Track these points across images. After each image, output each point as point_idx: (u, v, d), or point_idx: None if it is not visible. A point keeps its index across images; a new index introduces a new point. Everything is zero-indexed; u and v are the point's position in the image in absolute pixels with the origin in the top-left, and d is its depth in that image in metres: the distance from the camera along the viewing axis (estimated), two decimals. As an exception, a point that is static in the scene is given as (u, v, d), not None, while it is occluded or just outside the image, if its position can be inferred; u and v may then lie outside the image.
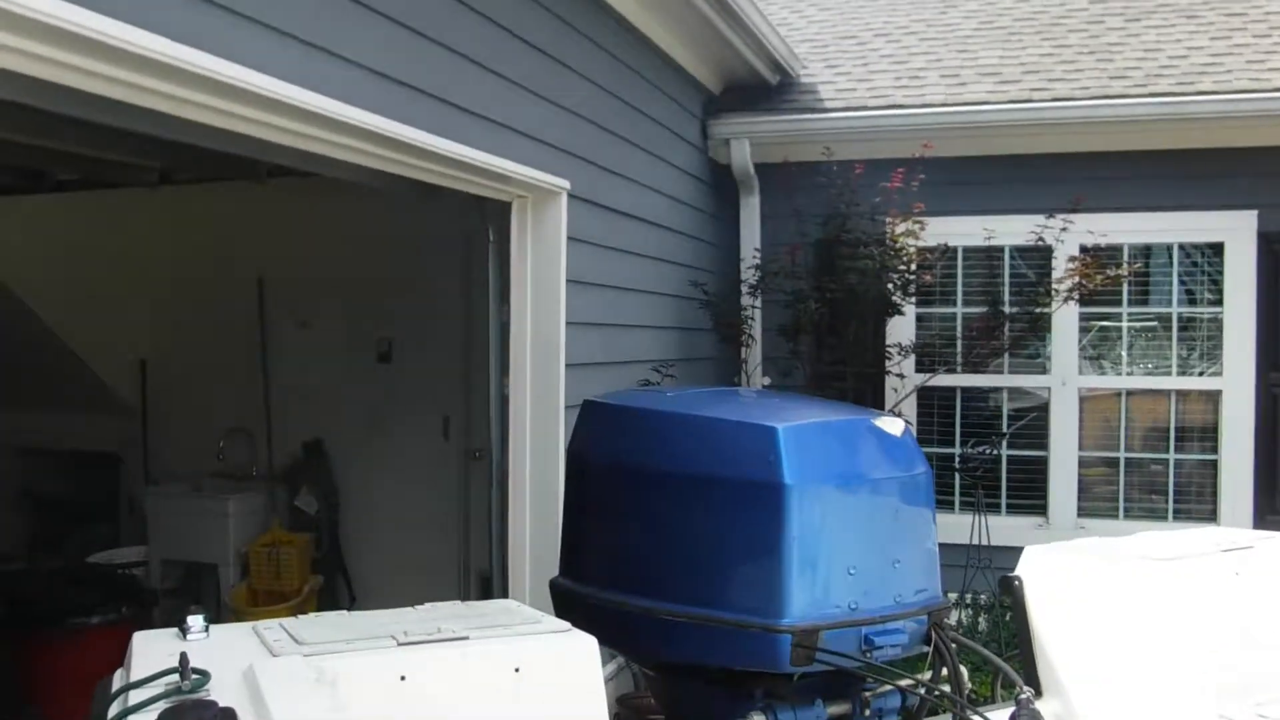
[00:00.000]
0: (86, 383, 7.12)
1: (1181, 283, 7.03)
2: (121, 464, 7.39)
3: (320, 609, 6.53)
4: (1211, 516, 6.72)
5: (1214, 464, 6.83)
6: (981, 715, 2.20)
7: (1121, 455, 7.05)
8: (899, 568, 2.36)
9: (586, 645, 1.82)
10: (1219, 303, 6.80)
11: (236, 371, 6.85)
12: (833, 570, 2.28)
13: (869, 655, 2.25)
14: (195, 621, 1.87)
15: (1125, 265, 6.74)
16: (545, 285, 4.93)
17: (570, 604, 2.60)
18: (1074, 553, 2.65)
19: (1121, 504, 7.05)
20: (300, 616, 1.96)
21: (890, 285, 6.55)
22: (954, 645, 2.34)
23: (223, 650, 1.74)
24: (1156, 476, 7.03)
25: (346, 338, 6.70)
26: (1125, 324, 7.09)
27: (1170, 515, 6.88)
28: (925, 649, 2.35)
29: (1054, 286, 6.58)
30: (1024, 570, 2.70)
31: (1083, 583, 2.58)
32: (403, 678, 1.67)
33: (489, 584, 5.53)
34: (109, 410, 7.19)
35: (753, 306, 7.15)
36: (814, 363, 7.06)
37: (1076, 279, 6.43)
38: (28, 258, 6.97)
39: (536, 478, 4.94)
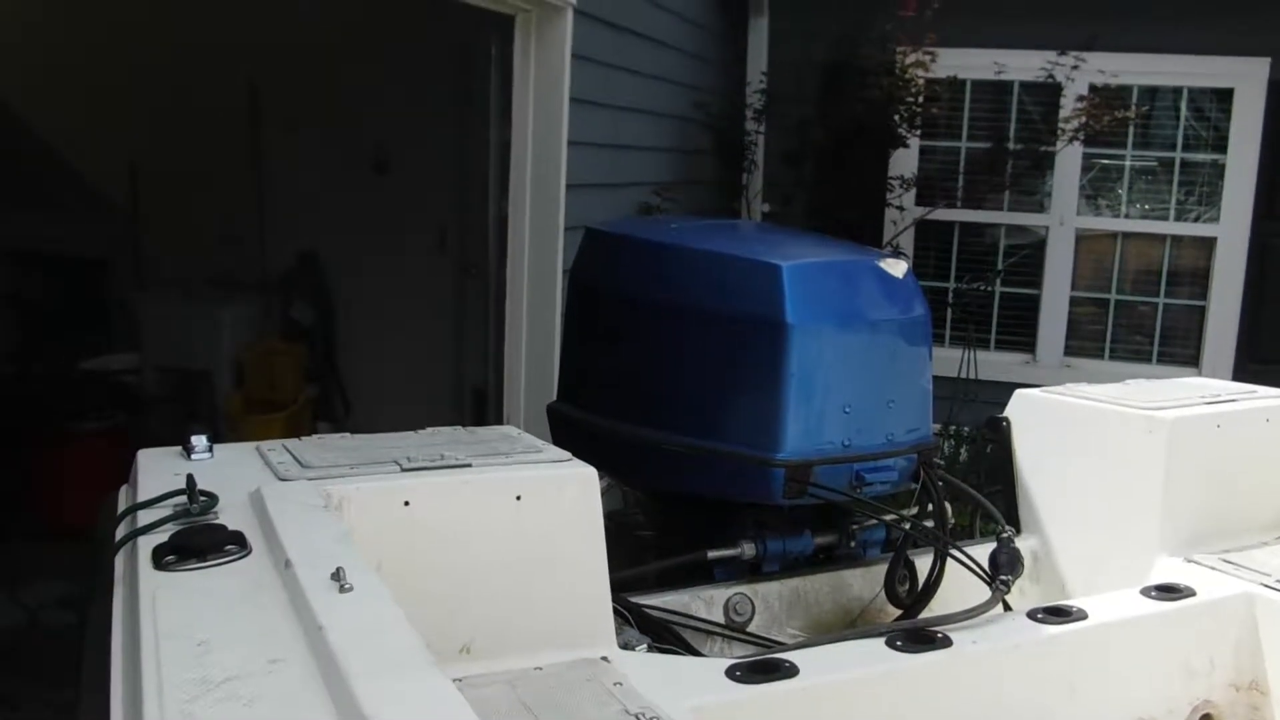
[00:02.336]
0: (71, 184, 6.99)
1: (1187, 128, 6.92)
2: (110, 269, 7.32)
3: (315, 419, 6.68)
4: (1194, 362, 6.82)
5: (1202, 310, 6.88)
6: (962, 550, 2.27)
7: (1112, 297, 7.09)
8: (893, 407, 2.40)
9: (587, 475, 1.86)
10: (1223, 149, 6.71)
11: (230, 178, 6.74)
12: (828, 408, 2.31)
13: (859, 491, 2.31)
14: (199, 441, 1.89)
15: (1133, 108, 6.62)
16: (548, 104, 4.82)
17: (568, 428, 2.64)
18: (1062, 397, 2.69)
19: (1108, 344, 7.13)
20: (304, 439, 1.98)
21: (897, 117, 6.44)
22: (941, 484, 2.40)
23: (228, 471, 1.77)
24: (1144, 319, 7.09)
25: (342, 147, 6.57)
26: (1128, 165, 7.01)
27: (1154, 358, 6.97)
28: (913, 485, 2.41)
29: (1061, 125, 6.48)
30: (1012, 411, 2.76)
31: (1068, 427, 2.64)
32: (406, 503, 1.71)
33: (483, 398, 5.62)
34: (96, 213, 7.09)
35: (756, 132, 7.04)
36: (815, 191, 7.00)
37: (1084, 119, 6.33)
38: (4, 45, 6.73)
39: (534, 298, 4.95)
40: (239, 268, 6.96)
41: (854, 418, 2.34)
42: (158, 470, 1.79)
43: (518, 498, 1.79)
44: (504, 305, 5.05)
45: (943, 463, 2.49)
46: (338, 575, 1.21)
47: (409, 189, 6.39)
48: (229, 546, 1.36)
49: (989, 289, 7.17)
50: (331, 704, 0.99)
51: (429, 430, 2.09)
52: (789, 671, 1.77)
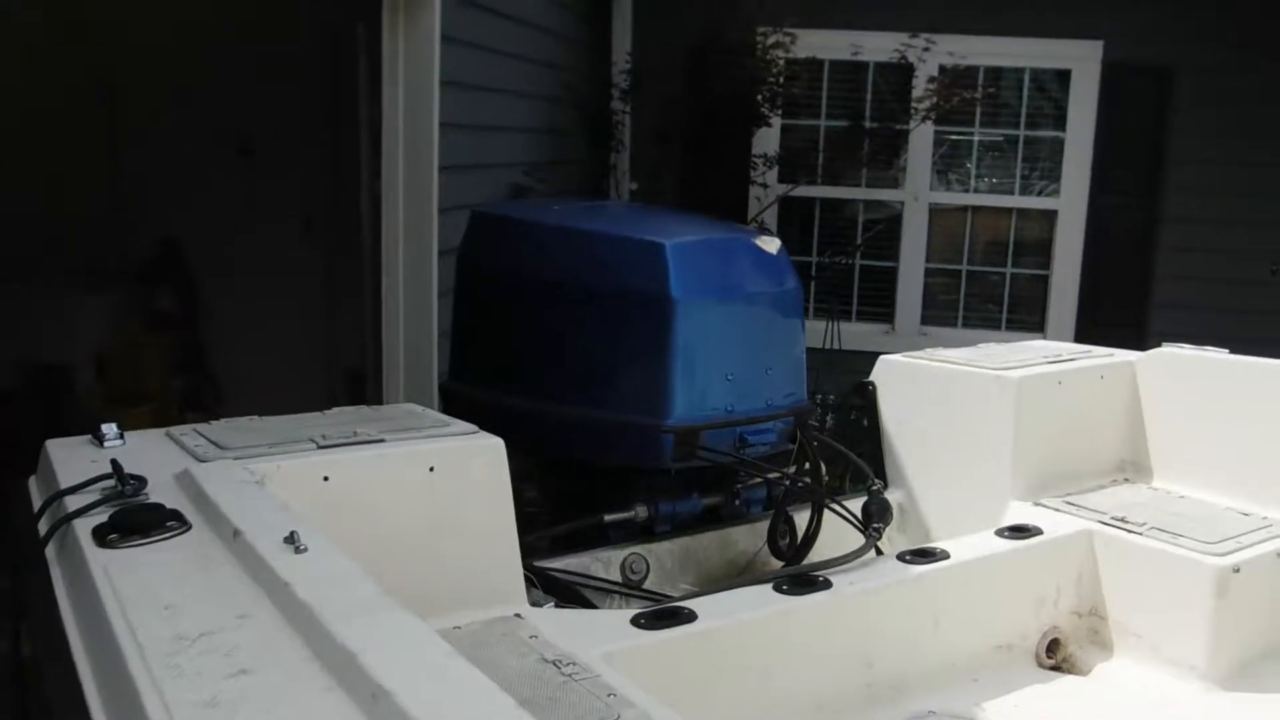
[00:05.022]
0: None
1: (1030, 106, 7.33)
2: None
3: (183, 410, 6.57)
4: (1040, 327, 7.25)
5: (1045, 279, 7.32)
6: (839, 503, 2.47)
7: (964, 268, 7.48)
8: (770, 374, 2.58)
9: (494, 445, 1.98)
10: (1062, 127, 7.15)
11: (88, 165, 6.55)
12: (712, 376, 2.48)
13: (742, 452, 2.48)
14: (110, 429, 1.93)
15: (980, 88, 6.99)
16: (418, 85, 4.85)
17: (461, 405, 2.74)
18: (921, 360, 2.91)
19: (961, 313, 7.51)
20: (212, 423, 2.05)
21: (760, 97, 6.66)
22: (815, 443, 2.59)
23: (146, 456, 1.82)
24: (994, 288, 7.50)
25: (205, 131, 6.45)
26: (975, 143, 7.39)
27: (1004, 325, 7.39)
28: (790, 446, 2.60)
29: (914, 105, 6.79)
30: (877, 376, 2.98)
31: (927, 388, 2.87)
32: (326, 478, 1.80)
33: (359, 381, 5.63)
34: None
35: (623, 111, 7.17)
36: (681, 170, 7.18)
37: (935, 99, 6.65)
38: None
39: (410, 280, 4.99)
40: (98, 257, 6.77)
41: (736, 385, 2.51)
42: (72, 459, 1.84)
43: (431, 469, 1.90)
44: (380, 287, 5.08)
45: (817, 424, 2.68)
46: (292, 539, 1.31)
47: (276, 173, 6.33)
48: (170, 523, 1.44)
49: (849, 263, 7.48)
50: (308, 648, 1.09)
51: (334, 410, 2.18)
52: (688, 618, 1.93)
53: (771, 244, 2.62)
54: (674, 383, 2.43)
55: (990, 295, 7.52)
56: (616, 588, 2.41)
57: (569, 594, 2.27)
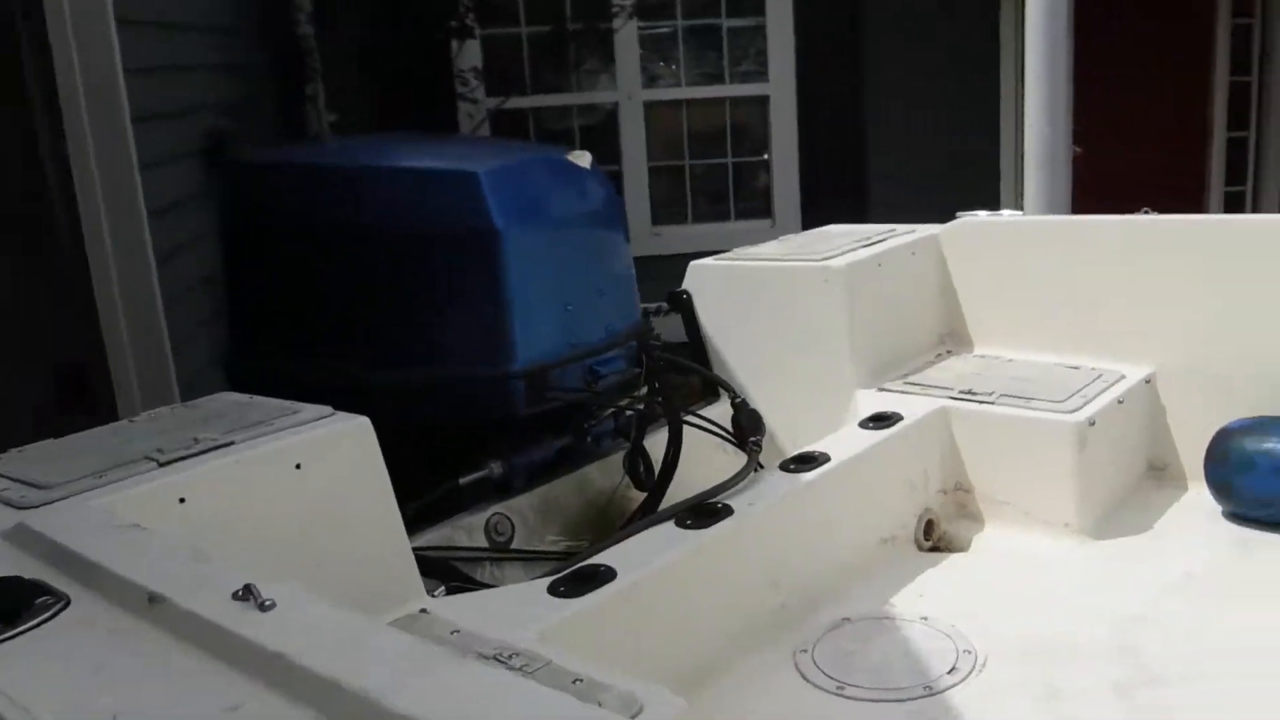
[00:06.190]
0: None
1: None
2: None
3: None
4: (767, 213, 7.43)
5: (766, 164, 7.48)
6: (705, 419, 2.36)
7: (686, 163, 7.51)
8: (605, 297, 2.42)
9: (360, 425, 1.73)
10: (762, 12, 7.24)
11: None
12: (551, 310, 2.29)
13: (594, 386, 2.32)
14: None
15: (680, -23, 6.96)
16: (92, 28, 4.24)
17: (256, 384, 2.42)
18: (736, 262, 2.83)
19: (689, 209, 7.57)
20: (1, 457, 1.67)
21: (461, 8, 6.33)
22: (662, 362, 2.46)
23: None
24: (718, 180, 7.59)
25: None
26: (680, 35, 7.38)
27: (733, 215, 7.51)
28: (638, 370, 2.46)
29: (616, 3, 6.67)
30: (690, 283, 2.87)
31: (749, 290, 2.79)
32: (182, 500, 1.49)
33: (80, 372, 4.99)
34: None
35: (313, 37, 6.63)
36: (382, 94, 6.77)
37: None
38: None
39: (120, 250, 4.42)
40: None
41: (575, 315, 2.34)
42: None
43: (297, 466, 1.62)
44: (86, 264, 4.48)
45: (659, 342, 2.55)
46: (247, 594, 1.04)
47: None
48: (41, 599, 1.11)
49: (571, 171, 7.34)
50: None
51: (145, 415, 1.84)
52: (607, 575, 1.77)
53: (583, 158, 2.44)
54: (514, 323, 2.22)
55: (715, 187, 7.61)
56: (491, 554, 2.21)
57: (446, 572, 2.05)
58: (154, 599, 1.06)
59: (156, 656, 1.00)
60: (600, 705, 1.37)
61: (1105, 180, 7.02)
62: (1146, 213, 2.71)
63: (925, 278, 2.86)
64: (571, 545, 2.23)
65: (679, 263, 2.86)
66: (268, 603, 1.04)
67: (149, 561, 1.16)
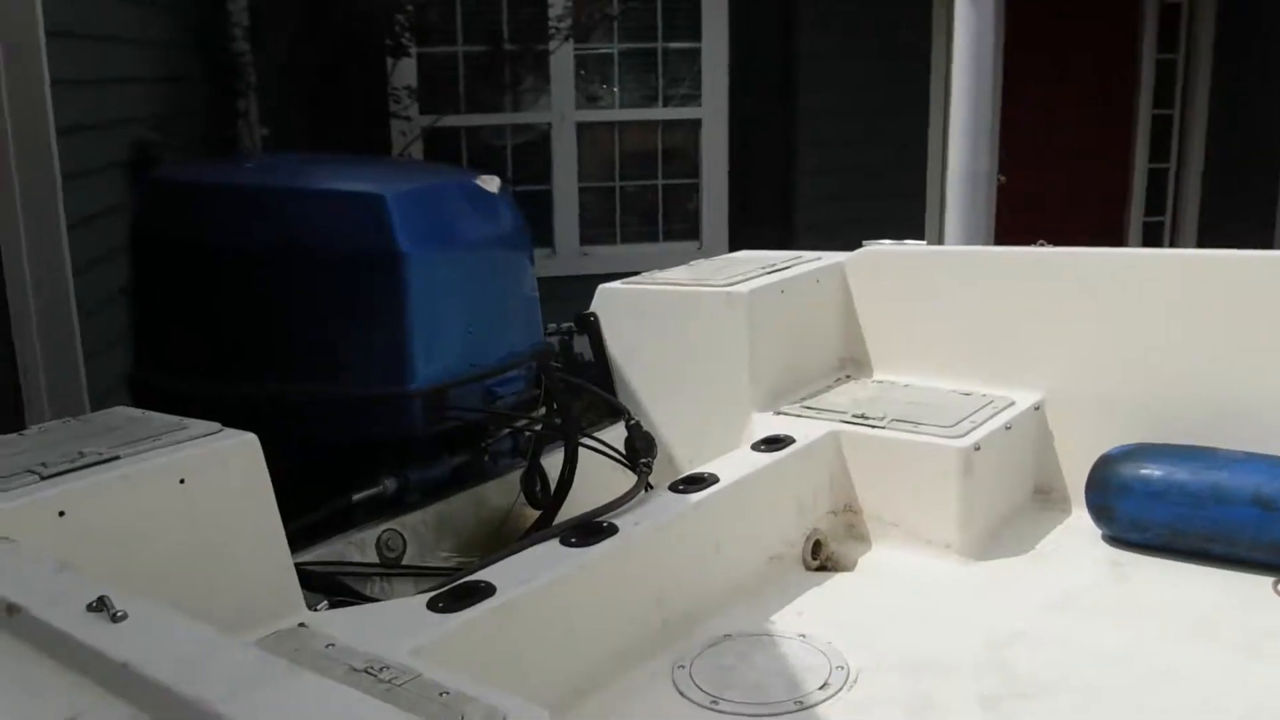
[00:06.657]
0: None
1: (665, 18, 7.48)
2: None
3: None
4: (696, 234, 7.52)
5: (696, 187, 7.58)
6: (593, 437, 2.42)
7: (617, 184, 7.59)
8: (508, 320, 2.47)
9: (248, 442, 1.76)
10: (698, 37, 7.35)
11: None
12: (452, 331, 2.33)
13: (493, 405, 2.36)
14: None
15: (614, 2, 7.05)
16: (19, 37, 4.22)
17: (158, 399, 2.44)
18: (643, 286, 2.90)
19: (619, 229, 7.65)
20: None
21: (397, 27, 6.37)
22: (562, 384, 2.52)
23: None
24: (647, 202, 7.68)
25: None
26: (616, 58, 7.47)
27: (661, 236, 7.60)
28: (537, 391, 2.51)
29: (553, 25, 6.75)
30: (598, 306, 2.94)
31: (655, 313, 2.86)
32: (62, 513, 1.52)
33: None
34: None
35: (248, 52, 6.64)
36: (313, 111, 6.78)
37: (573, 18, 6.64)
38: None
39: (37, 266, 4.39)
40: None
41: (476, 336, 2.38)
42: None
43: (181, 481, 1.65)
44: (1, 273, 4.44)
45: (559, 364, 2.60)
46: (101, 605, 1.07)
47: None
48: (-105, 609, 1.14)
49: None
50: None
51: (35, 429, 1.85)
52: (486, 591, 1.81)
53: (491, 183, 2.49)
54: (414, 344, 2.26)
55: (645, 209, 7.69)
56: (380, 570, 2.24)
57: (333, 587, 2.08)
58: (12, 609, 1.09)
59: (12, 667, 1.04)
60: (463, 718, 1.42)
61: (1028, 208, 7.21)
62: (1041, 245, 2.82)
63: (828, 305, 2.94)
64: (463, 561, 2.27)
65: (605, 282, 2.93)
66: (119, 614, 1.08)
67: (12, 573, 1.19)
